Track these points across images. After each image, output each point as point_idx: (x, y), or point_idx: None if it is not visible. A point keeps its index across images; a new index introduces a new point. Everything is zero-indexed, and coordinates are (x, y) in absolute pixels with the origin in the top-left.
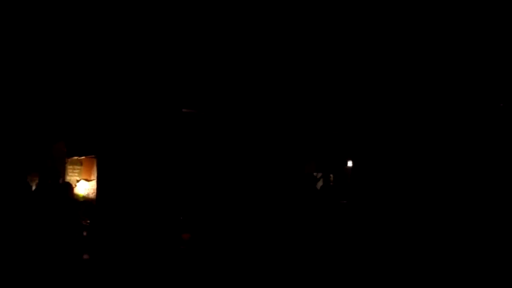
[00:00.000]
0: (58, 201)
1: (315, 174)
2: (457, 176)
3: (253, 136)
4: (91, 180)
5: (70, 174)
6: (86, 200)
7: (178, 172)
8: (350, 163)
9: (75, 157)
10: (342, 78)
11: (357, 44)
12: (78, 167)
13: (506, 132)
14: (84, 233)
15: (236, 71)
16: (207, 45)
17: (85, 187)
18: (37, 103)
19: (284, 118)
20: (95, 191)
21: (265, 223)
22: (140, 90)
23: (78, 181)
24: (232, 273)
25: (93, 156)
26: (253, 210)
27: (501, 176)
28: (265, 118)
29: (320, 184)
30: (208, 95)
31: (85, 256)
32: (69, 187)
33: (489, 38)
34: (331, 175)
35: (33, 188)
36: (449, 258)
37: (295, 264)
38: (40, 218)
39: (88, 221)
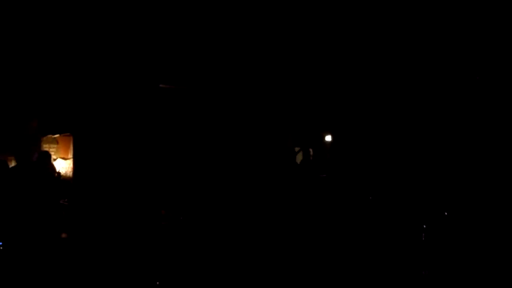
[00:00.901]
0: (37, 180)
1: (294, 148)
2: (433, 150)
3: (232, 112)
4: (68, 159)
5: None
6: (64, 179)
7: (156, 149)
8: (329, 137)
9: (50, 135)
10: (321, 53)
11: (332, 22)
12: (54, 146)
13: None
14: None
15: (215, 45)
16: (185, 17)
17: (62, 165)
18: (7, 79)
19: (263, 93)
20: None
21: (247, 198)
22: (116, 64)
23: (55, 159)
24: (214, 248)
25: (68, 134)
26: (234, 185)
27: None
28: (245, 94)
29: (299, 158)
30: (186, 70)
31: (63, 235)
32: (47, 156)
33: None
34: (311, 149)
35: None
36: (426, 230)
37: (275, 238)
38: (18, 197)
39: (67, 200)
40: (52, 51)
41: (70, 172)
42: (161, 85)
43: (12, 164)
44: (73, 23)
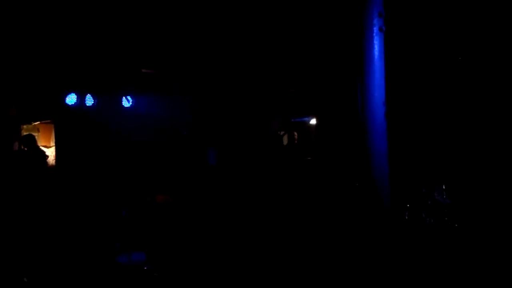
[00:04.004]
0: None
1: (279, 132)
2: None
3: (217, 97)
4: (50, 147)
5: None
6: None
7: (140, 134)
8: (313, 121)
9: (31, 124)
10: (304, 33)
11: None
12: (35, 134)
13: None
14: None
15: (198, 28)
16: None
17: None
18: None
19: (247, 77)
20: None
21: (233, 181)
22: (98, 49)
23: None
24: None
25: (49, 121)
26: (220, 170)
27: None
28: (229, 78)
29: (285, 141)
30: (169, 54)
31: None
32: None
33: None
34: (295, 133)
35: None
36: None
37: (260, 220)
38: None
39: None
40: (29, 35)
41: (52, 160)
42: (143, 70)
43: None
44: (50, 7)
